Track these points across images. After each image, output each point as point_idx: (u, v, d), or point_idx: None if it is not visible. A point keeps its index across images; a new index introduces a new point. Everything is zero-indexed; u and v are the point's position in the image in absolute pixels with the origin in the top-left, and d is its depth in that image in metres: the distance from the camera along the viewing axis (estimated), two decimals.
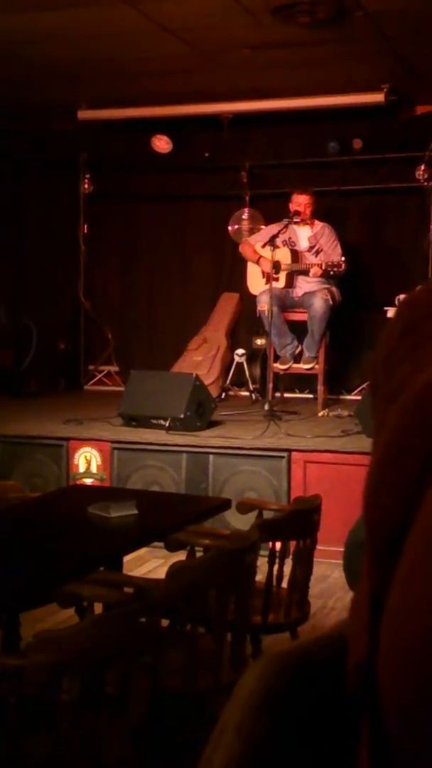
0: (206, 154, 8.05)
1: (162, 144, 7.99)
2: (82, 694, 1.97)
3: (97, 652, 2.01)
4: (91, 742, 2.09)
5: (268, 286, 6.49)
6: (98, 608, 2.76)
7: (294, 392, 7.48)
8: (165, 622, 2.65)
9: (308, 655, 0.52)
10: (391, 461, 0.43)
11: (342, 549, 3.41)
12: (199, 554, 3.03)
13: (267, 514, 3.44)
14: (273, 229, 6.78)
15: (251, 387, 7.36)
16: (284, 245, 6.83)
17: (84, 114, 7.71)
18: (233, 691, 0.48)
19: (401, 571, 0.41)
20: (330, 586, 4.71)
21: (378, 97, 6.95)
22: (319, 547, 3.38)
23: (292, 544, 3.25)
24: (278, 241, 6.64)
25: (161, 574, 2.68)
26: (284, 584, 3.22)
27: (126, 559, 3.53)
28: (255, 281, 7.04)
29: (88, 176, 8.37)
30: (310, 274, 6.71)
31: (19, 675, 2.03)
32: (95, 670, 2.03)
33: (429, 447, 0.41)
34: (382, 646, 0.43)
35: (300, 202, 6.85)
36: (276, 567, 3.13)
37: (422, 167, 7.21)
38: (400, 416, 0.43)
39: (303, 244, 6.93)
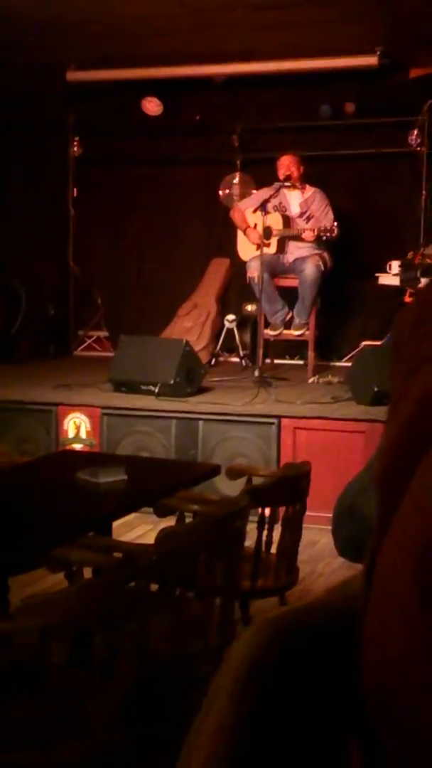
0: (197, 118, 7.96)
1: (152, 106, 7.90)
2: (71, 657, 1.98)
3: (86, 616, 2.01)
4: (80, 705, 2.10)
5: (258, 252, 6.45)
6: (87, 573, 2.77)
7: (284, 358, 7.47)
8: (154, 588, 2.66)
9: (299, 621, 0.52)
10: (400, 450, 0.43)
11: (331, 515, 3.42)
12: (188, 520, 3.04)
13: (256, 480, 3.44)
14: (264, 193, 6.73)
15: (241, 353, 7.35)
16: (275, 210, 6.78)
17: (73, 75, 7.60)
18: (224, 658, 0.48)
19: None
20: (319, 551, 4.73)
21: (371, 60, 6.87)
22: (308, 513, 3.38)
23: (282, 509, 3.26)
24: (269, 207, 6.59)
25: (150, 539, 2.68)
26: (273, 550, 3.23)
27: (115, 524, 3.53)
28: (245, 247, 7.00)
29: (77, 139, 8.27)
30: (303, 236, 6.66)
31: (8, 639, 2.03)
32: (84, 634, 2.03)
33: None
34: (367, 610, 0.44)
35: (285, 163, 6.79)
36: (265, 533, 3.14)
37: (415, 132, 7.15)
38: (409, 411, 0.44)
39: (294, 209, 6.88)
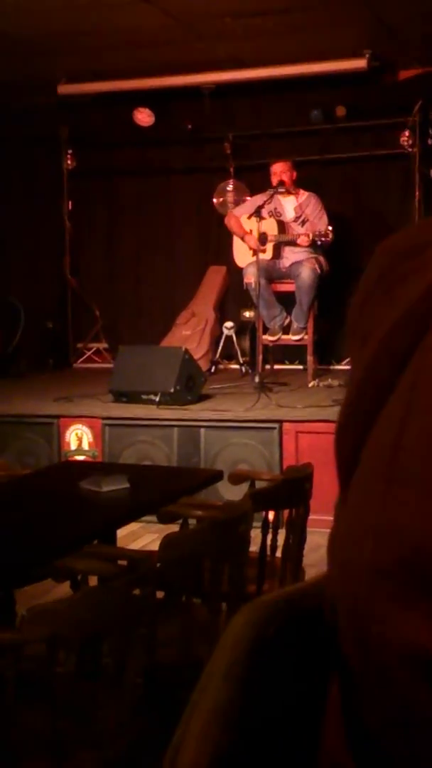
0: (189, 126, 7.98)
1: (144, 117, 7.92)
2: (78, 666, 1.97)
3: (92, 624, 2.01)
4: (89, 713, 2.09)
5: (254, 259, 6.46)
6: (93, 582, 2.76)
7: (284, 364, 7.47)
8: (160, 595, 2.65)
9: (295, 602, 0.52)
10: (357, 399, 0.44)
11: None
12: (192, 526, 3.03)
13: (259, 485, 3.44)
14: (258, 199, 6.74)
15: (241, 360, 7.35)
16: (270, 216, 6.79)
17: (64, 88, 7.62)
18: (221, 636, 0.48)
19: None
20: (324, 555, 4.70)
21: (360, 63, 6.89)
22: (312, 516, 3.37)
23: (285, 513, 3.25)
24: (264, 212, 6.60)
25: (155, 548, 2.67)
26: (278, 554, 3.22)
27: (120, 534, 3.52)
28: (242, 253, 7.01)
29: (70, 152, 8.29)
30: (298, 242, 6.67)
31: (15, 649, 2.03)
32: (91, 642, 2.03)
33: (390, 378, 0.41)
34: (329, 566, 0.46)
35: (277, 170, 6.82)
36: (269, 536, 3.13)
37: (406, 133, 7.17)
38: (370, 354, 0.44)
39: (289, 214, 6.89)
